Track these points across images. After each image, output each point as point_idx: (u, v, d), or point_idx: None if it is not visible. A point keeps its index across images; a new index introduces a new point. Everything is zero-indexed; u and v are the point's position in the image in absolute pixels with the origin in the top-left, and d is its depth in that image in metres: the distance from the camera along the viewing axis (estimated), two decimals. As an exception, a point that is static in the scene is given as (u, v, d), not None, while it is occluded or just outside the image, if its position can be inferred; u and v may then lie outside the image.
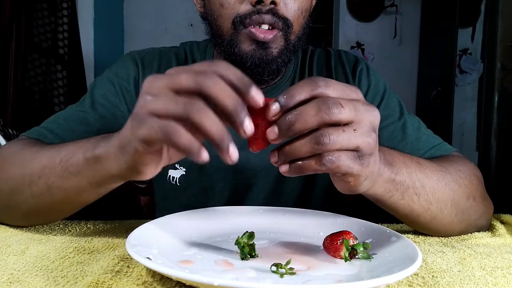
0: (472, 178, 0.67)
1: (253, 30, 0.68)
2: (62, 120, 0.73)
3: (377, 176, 0.50)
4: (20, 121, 2.21)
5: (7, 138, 1.77)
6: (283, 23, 0.68)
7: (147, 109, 0.40)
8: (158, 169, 0.47)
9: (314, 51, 0.86)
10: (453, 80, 3.11)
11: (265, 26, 0.68)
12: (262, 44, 0.68)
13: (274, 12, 0.67)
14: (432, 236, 0.65)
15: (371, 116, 0.43)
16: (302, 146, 0.42)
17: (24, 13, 2.25)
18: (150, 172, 0.47)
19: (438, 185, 0.60)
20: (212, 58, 0.81)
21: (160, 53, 0.82)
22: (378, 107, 0.79)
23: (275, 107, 0.41)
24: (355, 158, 0.43)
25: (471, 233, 0.67)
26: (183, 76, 0.39)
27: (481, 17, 3.16)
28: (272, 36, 0.68)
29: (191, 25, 3.25)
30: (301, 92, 0.41)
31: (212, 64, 0.40)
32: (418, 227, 0.64)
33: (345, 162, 0.42)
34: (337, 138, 0.41)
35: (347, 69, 0.82)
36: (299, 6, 0.70)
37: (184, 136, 0.38)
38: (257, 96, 0.39)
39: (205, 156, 0.40)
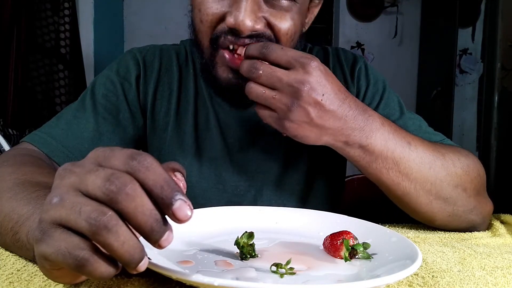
0: (470, 171, 0.66)
1: (226, 55, 0.64)
2: (65, 125, 0.72)
3: (336, 132, 0.59)
4: (21, 121, 2.21)
5: (7, 138, 1.77)
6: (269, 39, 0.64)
7: (49, 217, 0.32)
8: (80, 280, 0.39)
9: (312, 50, 0.85)
10: (453, 80, 3.11)
11: (242, 51, 0.63)
12: (238, 73, 0.61)
13: (256, 34, 0.63)
14: (431, 235, 0.65)
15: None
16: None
17: (25, 14, 2.25)
18: (67, 283, 0.39)
19: (417, 166, 0.62)
20: None
21: (161, 51, 0.81)
22: (377, 106, 0.79)
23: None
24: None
25: (465, 229, 0.67)
26: (91, 179, 0.31)
27: (481, 17, 3.16)
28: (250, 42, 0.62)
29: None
30: (253, 50, 0.58)
31: (131, 162, 0.32)
32: (394, 201, 0.67)
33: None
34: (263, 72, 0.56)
35: (346, 69, 0.81)
36: (288, 30, 0.65)
37: (98, 264, 0.31)
38: (180, 211, 0.32)
39: (140, 269, 0.32)
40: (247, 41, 0.63)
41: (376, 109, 0.78)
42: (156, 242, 0.32)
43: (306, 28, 0.76)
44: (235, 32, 0.62)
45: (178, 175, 0.39)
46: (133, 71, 0.77)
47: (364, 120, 0.60)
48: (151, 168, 0.32)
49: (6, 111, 2.19)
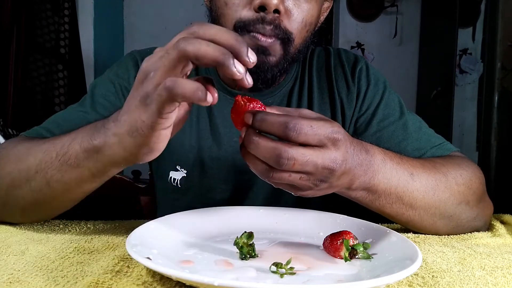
0: (471, 183, 0.66)
1: (255, 34, 0.67)
2: (62, 121, 0.73)
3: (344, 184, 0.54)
4: (20, 121, 2.21)
5: (7, 138, 1.77)
6: (284, 36, 0.67)
7: (151, 84, 0.43)
8: (166, 143, 0.48)
9: (314, 50, 0.86)
10: (453, 80, 3.11)
11: (267, 33, 0.67)
12: (262, 51, 0.67)
13: (276, 25, 0.66)
14: (432, 235, 0.65)
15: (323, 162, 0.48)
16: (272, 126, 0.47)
17: (25, 14, 2.25)
18: (162, 147, 0.48)
19: (421, 194, 0.61)
20: None
21: None
22: (378, 106, 0.79)
23: (251, 120, 0.47)
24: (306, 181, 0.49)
25: (469, 233, 0.67)
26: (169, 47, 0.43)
27: (481, 17, 3.16)
28: (272, 40, 0.67)
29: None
30: (273, 126, 0.47)
31: (201, 27, 0.42)
32: (398, 223, 0.67)
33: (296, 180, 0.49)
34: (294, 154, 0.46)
35: (347, 69, 0.82)
36: (303, 19, 0.69)
37: (185, 82, 0.41)
38: (252, 56, 0.42)
39: (209, 98, 0.42)
40: (271, 29, 0.66)
41: (376, 109, 0.78)
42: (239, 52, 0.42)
43: (318, 26, 0.77)
44: (260, 18, 0.66)
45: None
46: (132, 72, 0.79)
47: (367, 163, 0.54)
48: (220, 29, 0.42)
49: (6, 111, 2.19)
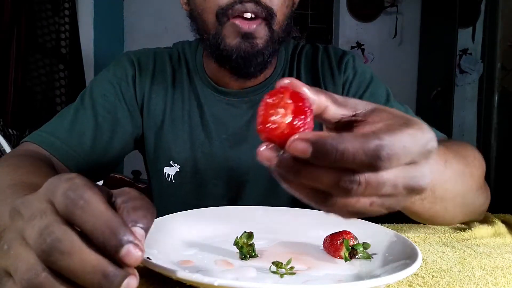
0: (483, 166, 0.65)
1: (236, 22, 0.68)
2: (67, 125, 0.74)
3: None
4: (21, 121, 2.21)
5: (7, 138, 1.77)
6: (266, 13, 0.68)
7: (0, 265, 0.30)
8: None
9: (304, 47, 0.86)
10: (453, 80, 3.11)
11: (248, 15, 0.68)
12: (247, 36, 0.68)
13: (256, 1, 0.67)
14: (431, 235, 0.65)
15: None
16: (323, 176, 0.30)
17: (25, 14, 2.25)
18: None
19: (452, 185, 0.54)
20: (202, 57, 0.83)
21: (155, 54, 0.84)
22: (363, 95, 0.79)
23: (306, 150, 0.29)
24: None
25: (469, 233, 0.67)
26: (28, 232, 0.28)
27: (481, 17, 3.16)
28: (255, 25, 0.68)
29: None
30: (354, 161, 0.29)
31: (67, 201, 0.28)
32: (413, 218, 0.61)
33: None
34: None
35: (333, 62, 0.82)
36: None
37: None
38: (128, 257, 0.28)
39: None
40: (251, 6, 0.66)
41: (361, 98, 0.78)
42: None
43: (294, 8, 0.78)
44: (238, 0, 0.66)
45: (138, 230, 0.30)
46: (129, 71, 0.80)
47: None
48: (87, 209, 0.27)
49: (6, 111, 2.19)
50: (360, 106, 0.35)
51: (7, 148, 1.63)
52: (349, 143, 0.28)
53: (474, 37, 3.26)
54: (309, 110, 0.31)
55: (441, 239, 0.64)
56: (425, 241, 0.62)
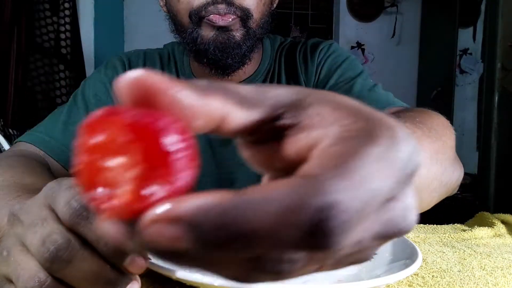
0: (452, 134, 0.55)
1: (211, 17, 0.67)
2: (62, 125, 0.74)
3: None
4: (21, 121, 2.21)
5: (7, 138, 1.77)
6: (242, 13, 0.68)
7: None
8: None
9: (285, 41, 0.85)
10: (453, 80, 3.11)
11: (222, 12, 0.67)
12: (223, 29, 0.68)
13: (229, 2, 0.66)
14: (431, 235, 0.65)
15: None
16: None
17: (25, 14, 2.25)
18: None
19: (427, 169, 0.44)
20: (189, 57, 0.83)
21: (145, 54, 0.85)
22: (333, 74, 0.76)
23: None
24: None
25: (469, 233, 0.67)
26: (29, 239, 0.28)
27: (481, 17, 3.16)
28: (231, 19, 0.67)
29: (191, 25, 3.25)
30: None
31: (71, 211, 0.28)
32: None
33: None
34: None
35: (308, 53, 0.80)
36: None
37: None
38: (133, 266, 0.29)
39: None
40: (224, 7, 0.65)
41: (331, 77, 0.76)
42: None
43: (274, 6, 0.77)
44: (211, 1, 0.65)
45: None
46: (120, 71, 0.81)
47: None
48: (91, 219, 0.28)
49: (6, 111, 2.19)
50: (284, 97, 0.19)
51: (7, 148, 1.63)
52: (263, 215, 0.15)
53: (475, 37, 3.26)
54: (180, 142, 0.17)
55: (441, 239, 0.64)
56: (425, 241, 0.62)
